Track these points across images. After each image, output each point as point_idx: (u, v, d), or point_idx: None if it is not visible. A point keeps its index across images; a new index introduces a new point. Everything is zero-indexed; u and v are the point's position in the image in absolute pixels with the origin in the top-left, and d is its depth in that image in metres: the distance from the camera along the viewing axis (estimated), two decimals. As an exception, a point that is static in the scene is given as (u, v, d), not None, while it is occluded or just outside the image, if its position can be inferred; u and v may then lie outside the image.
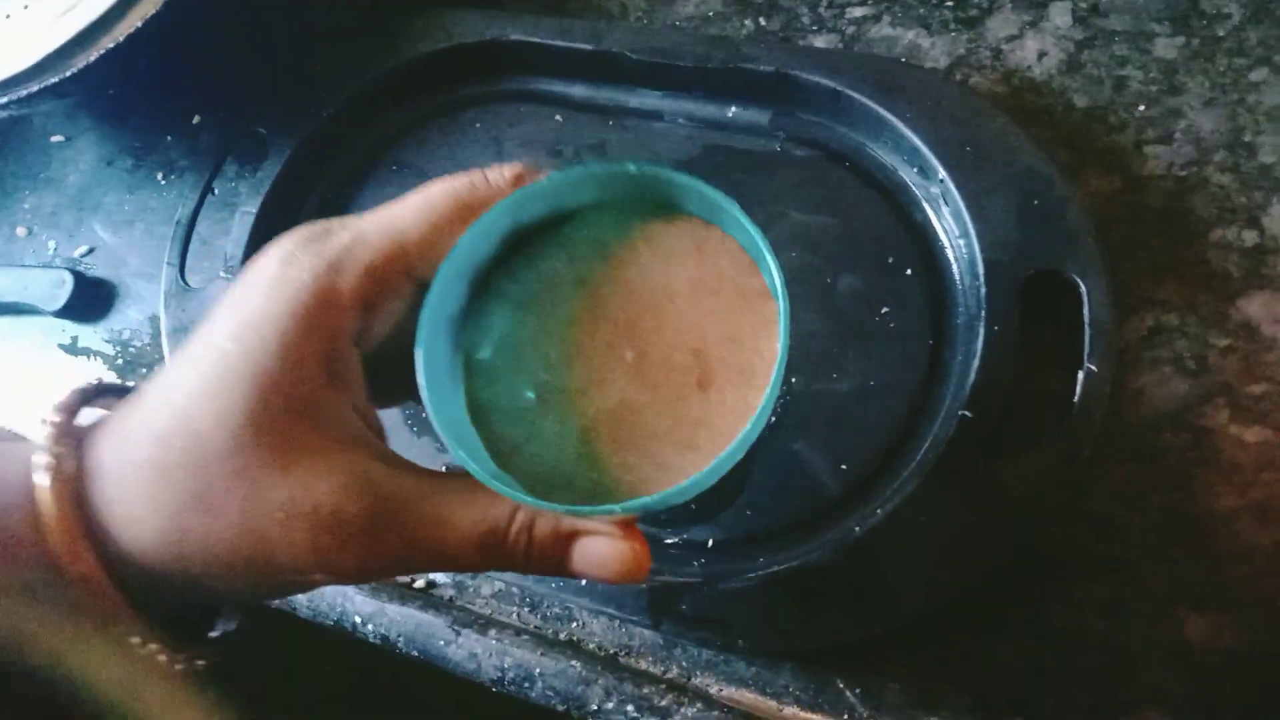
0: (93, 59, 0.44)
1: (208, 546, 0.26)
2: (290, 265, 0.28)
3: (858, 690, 0.35)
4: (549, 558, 0.28)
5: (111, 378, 0.51)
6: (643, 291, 0.30)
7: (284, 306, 0.27)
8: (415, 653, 0.40)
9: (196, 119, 0.56)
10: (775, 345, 0.28)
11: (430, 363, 0.28)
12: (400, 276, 0.28)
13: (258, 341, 0.27)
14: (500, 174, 0.30)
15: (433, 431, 0.40)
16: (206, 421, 0.26)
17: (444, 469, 0.29)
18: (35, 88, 0.44)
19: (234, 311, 0.28)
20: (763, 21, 0.48)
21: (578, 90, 0.49)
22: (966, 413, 0.35)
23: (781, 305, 0.27)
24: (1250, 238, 0.38)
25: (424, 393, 0.28)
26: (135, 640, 0.27)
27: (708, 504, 0.39)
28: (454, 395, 0.30)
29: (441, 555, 0.27)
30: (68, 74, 0.44)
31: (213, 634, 0.30)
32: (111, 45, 0.44)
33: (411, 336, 0.28)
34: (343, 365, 0.28)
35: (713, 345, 0.28)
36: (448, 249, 0.29)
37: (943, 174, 0.39)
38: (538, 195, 0.30)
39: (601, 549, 0.28)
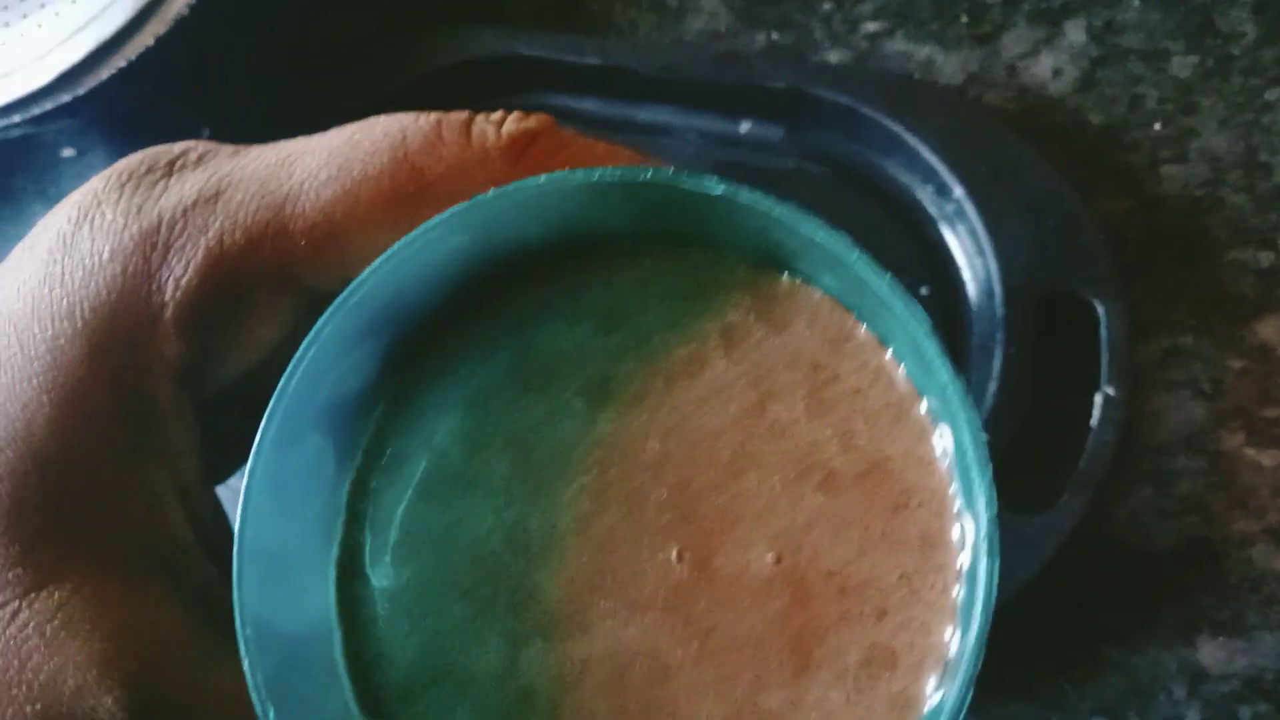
0: (105, 77, 0.44)
1: None
2: (87, 226, 0.16)
3: (871, 713, 0.35)
4: None
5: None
6: (707, 434, 0.17)
7: (59, 301, 0.16)
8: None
9: (206, 133, 0.56)
10: (930, 634, 0.16)
11: (268, 511, 0.16)
12: (276, 279, 0.17)
13: None
14: (494, 128, 0.18)
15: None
16: None
17: None
18: (49, 106, 0.44)
19: None
20: (775, 36, 0.48)
21: (587, 105, 0.49)
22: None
23: (983, 540, 0.15)
24: (1265, 259, 0.38)
25: (236, 590, 0.15)
26: None
27: None
28: (313, 585, 0.17)
29: None
30: (80, 92, 0.44)
31: None
32: (124, 64, 0.44)
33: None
34: (157, 419, 0.17)
35: (821, 579, 0.16)
36: (370, 248, 0.16)
37: (958, 192, 0.39)
38: (533, 200, 0.16)
39: None
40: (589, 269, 0.18)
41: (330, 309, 0.16)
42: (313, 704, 0.15)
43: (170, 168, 0.17)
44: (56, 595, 0.16)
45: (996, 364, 0.36)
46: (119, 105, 0.47)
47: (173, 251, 0.16)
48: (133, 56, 0.44)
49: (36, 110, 0.45)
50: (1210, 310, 0.38)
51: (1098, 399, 0.35)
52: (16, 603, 0.16)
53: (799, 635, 0.15)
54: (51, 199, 0.59)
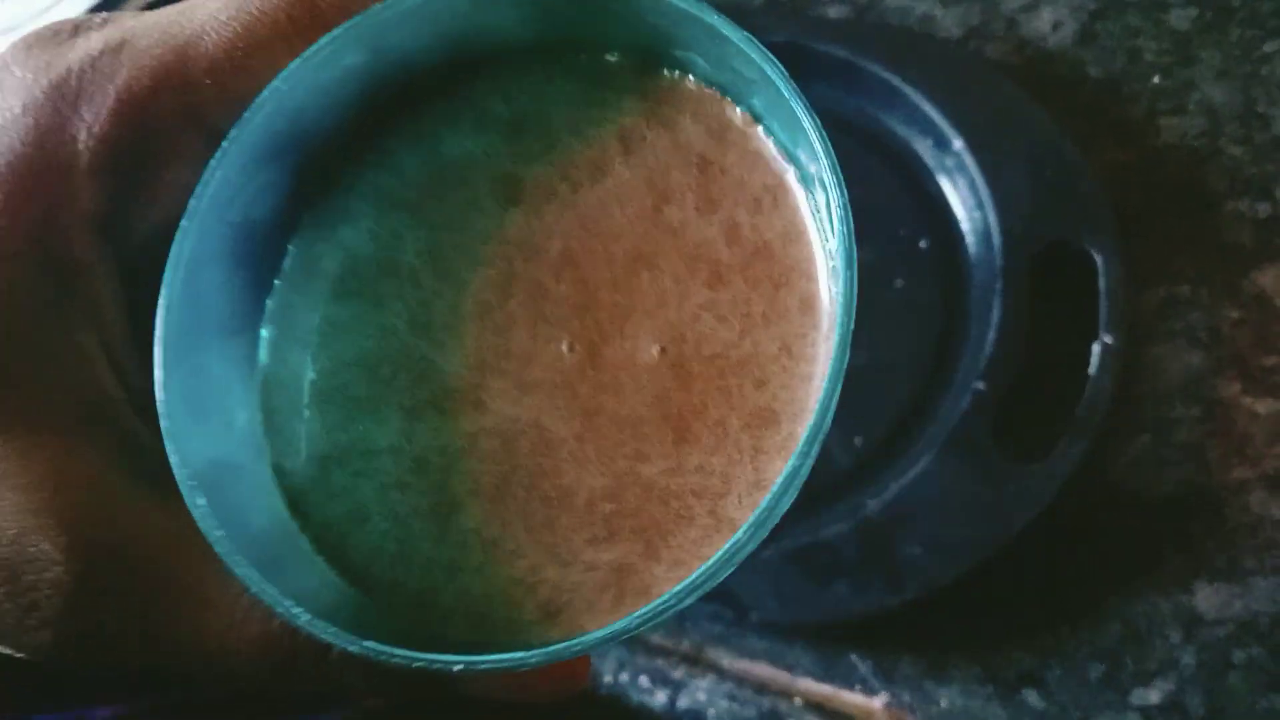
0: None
1: None
2: None
3: (870, 663, 0.36)
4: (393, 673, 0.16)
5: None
6: (607, 235, 0.18)
7: None
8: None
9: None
10: (810, 382, 0.17)
11: (187, 325, 0.16)
12: (184, 117, 0.17)
13: None
14: None
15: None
16: None
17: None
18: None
19: None
20: (772, -9, 0.48)
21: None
22: (981, 385, 0.35)
23: (840, 308, 0.15)
24: (1263, 209, 0.38)
25: (161, 393, 0.16)
26: None
27: None
28: (234, 396, 0.18)
29: (197, 657, 0.16)
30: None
31: None
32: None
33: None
34: (78, 271, 0.17)
35: (702, 363, 0.17)
36: (266, 79, 0.17)
37: (957, 145, 0.39)
38: (427, 8, 0.17)
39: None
40: (487, 81, 0.19)
41: (233, 129, 0.16)
42: (245, 505, 0.16)
43: (75, 29, 0.18)
44: None
45: (995, 314, 0.36)
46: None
47: (82, 99, 0.17)
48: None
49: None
50: (1208, 260, 0.38)
51: (1095, 347, 0.35)
52: None
53: (679, 413, 0.17)
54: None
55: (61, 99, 0.17)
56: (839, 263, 0.15)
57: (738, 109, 0.18)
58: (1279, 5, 0.41)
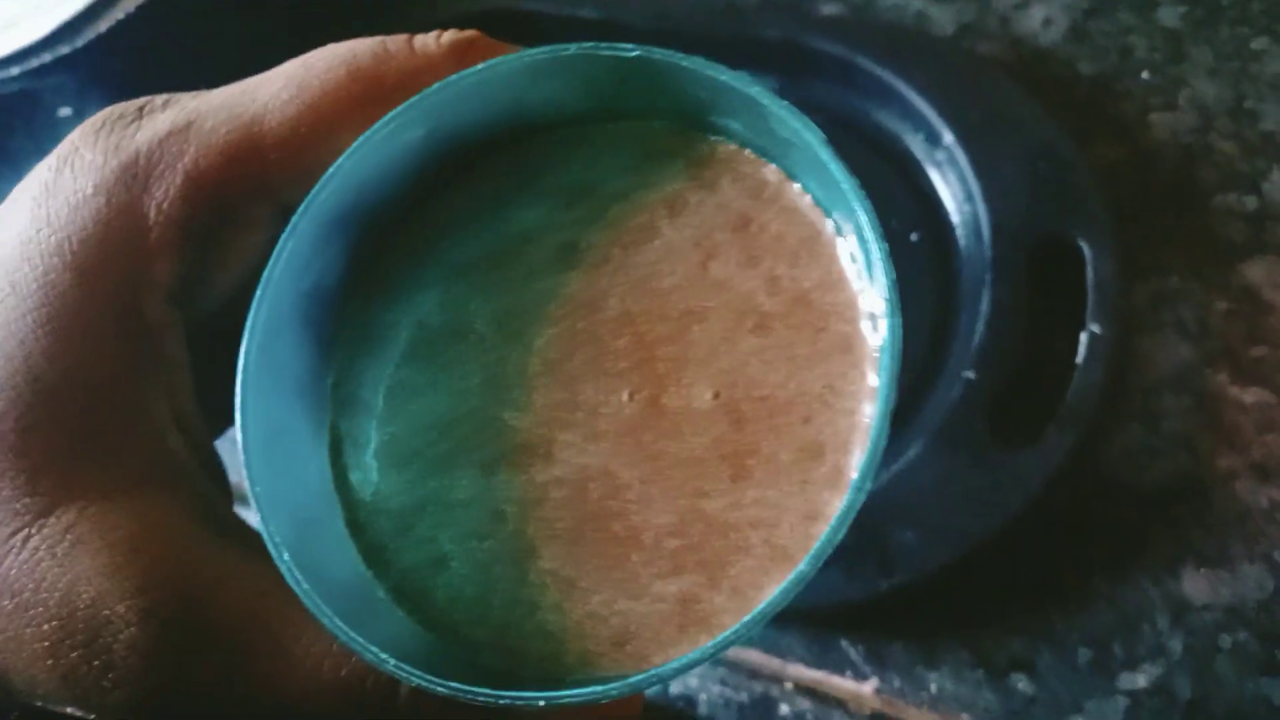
0: (103, 29, 0.44)
1: None
2: (68, 169, 0.17)
3: (861, 648, 0.36)
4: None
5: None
6: (660, 292, 0.19)
7: (48, 239, 0.17)
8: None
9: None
10: (852, 416, 0.18)
11: (264, 387, 0.17)
12: (252, 192, 0.18)
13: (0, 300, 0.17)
14: (435, 39, 0.19)
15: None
16: None
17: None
18: (48, 58, 0.44)
19: None
20: (769, -9, 0.48)
21: (585, 60, 0.49)
22: (971, 375, 0.36)
23: (885, 353, 0.16)
24: (1252, 204, 0.38)
25: (244, 454, 0.17)
26: None
27: None
28: (306, 453, 0.19)
29: (276, 709, 0.17)
30: (79, 44, 0.44)
31: None
32: (122, 15, 0.44)
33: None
34: (151, 339, 0.18)
35: (753, 405, 0.18)
36: (336, 155, 0.17)
37: (948, 139, 0.39)
38: (475, 87, 0.18)
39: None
40: (540, 154, 0.20)
41: (302, 205, 0.17)
42: (324, 559, 0.17)
43: (140, 112, 0.18)
44: (64, 518, 0.17)
45: (985, 305, 0.37)
46: (116, 59, 0.47)
47: (152, 179, 0.17)
48: (131, 9, 0.45)
49: (35, 63, 0.45)
50: (1198, 253, 0.38)
51: (1083, 337, 0.36)
52: (27, 530, 0.16)
53: (734, 452, 0.18)
54: (50, 157, 0.59)
55: (133, 179, 0.17)
56: (885, 310, 0.16)
57: (773, 167, 0.19)
58: (1268, 3, 0.41)
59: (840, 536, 0.16)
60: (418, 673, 0.15)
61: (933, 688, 0.35)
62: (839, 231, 0.18)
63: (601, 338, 0.19)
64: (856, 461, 0.17)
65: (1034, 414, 0.36)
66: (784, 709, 0.36)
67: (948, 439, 0.35)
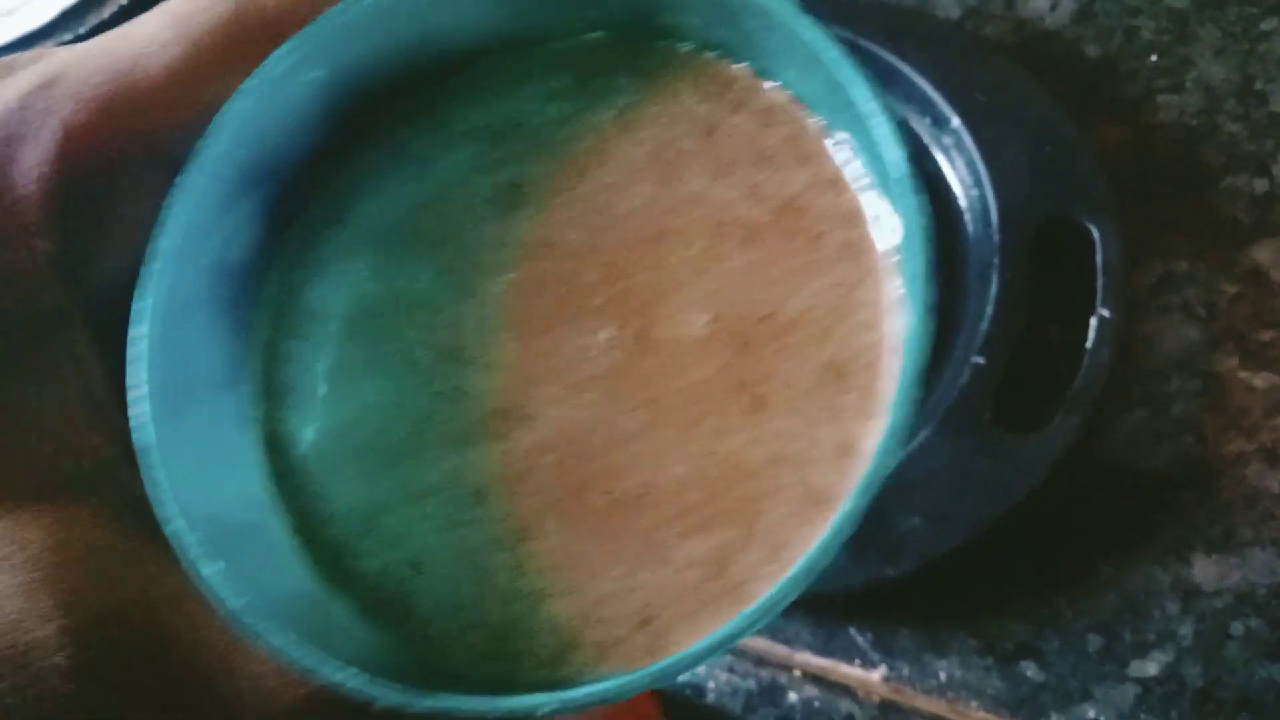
0: (106, 15, 0.44)
1: None
2: None
3: (869, 635, 0.36)
4: None
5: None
6: (625, 215, 0.17)
7: None
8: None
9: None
10: (873, 331, 0.15)
11: (171, 384, 0.15)
12: (134, 147, 0.16)
13: None
14: None
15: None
16: None
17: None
18: (50, 45, 0.44)
19: None
20: (772, -25, 0.48)
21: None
22: (979, 360, 0.36)
23: (908, 220, 0.15)
24: (1260, 185, 0.38)
25: (146, 466, 0.14)
26: None
27: None
28: (235, 453, 0.16)
29: None
30: (82, 31, 0.44)
31: None
32: (124, 1, 0.44)
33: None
34: (43, 328, 0.16)
35: (756, 325, 0.16)
36: (223, 101, 0.15)
37: (955, 122, 0.39)
38: (380, 9, 0.16)
39: None
40: (465, 89, 0.17)
41: (191, 157, 0.15)
42: (265, 572, 0.15)
43: (9, 66, 0.16)
44: None
45: (993, 289, 0.37)
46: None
47: (21, 141, 0.15)
48: (131, -6, 0.45)
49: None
50: (1205, 236, 0.38)
51: (1093, 321, 0.35)
52: None
53: (744, 380, 0.16)
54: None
55: (2, 139, 0.15)
56: (902, 198, 0.14)
57: (743, 65, 0.17)
58: (1276, -16, 0.41)
59: (889, 468, 0.13)
60: (394, 687, 0.13)
61: (941, 675, 0.35)
62: (829, 129, 0.16)
63: (567, 276, 0.16)
64: (887, 384, 0.15)
65: (1040, 399, 0.35)
66: (792, 696, 0.36)
67: (956, 424, 0.35)
